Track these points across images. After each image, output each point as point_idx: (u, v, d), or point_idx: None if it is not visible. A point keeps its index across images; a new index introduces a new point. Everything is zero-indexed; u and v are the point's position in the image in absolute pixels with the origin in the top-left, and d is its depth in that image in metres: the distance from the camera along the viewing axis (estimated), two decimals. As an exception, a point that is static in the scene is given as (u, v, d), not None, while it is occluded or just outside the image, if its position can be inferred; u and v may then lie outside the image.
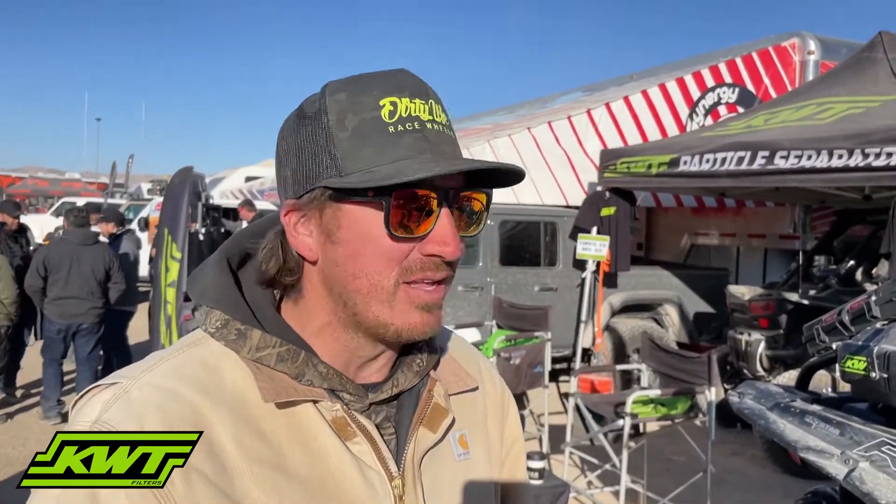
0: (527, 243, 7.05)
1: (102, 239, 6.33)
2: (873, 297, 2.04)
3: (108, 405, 0.68)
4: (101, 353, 6.44)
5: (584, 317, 6.74)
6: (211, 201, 8.59)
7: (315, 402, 0.72)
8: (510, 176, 0.74)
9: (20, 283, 5.70)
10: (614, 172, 6.46)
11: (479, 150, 7.07)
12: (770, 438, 2.20)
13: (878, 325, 2.01)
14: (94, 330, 5.96)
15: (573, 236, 6.78)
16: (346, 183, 0.68)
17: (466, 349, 0.94)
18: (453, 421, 0.82)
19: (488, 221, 5.59)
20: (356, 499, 0.72)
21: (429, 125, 0.71)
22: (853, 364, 1.97)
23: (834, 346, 2.20)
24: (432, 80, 0.74)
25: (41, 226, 15.38)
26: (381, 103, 0.70)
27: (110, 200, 18.46)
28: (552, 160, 7.29)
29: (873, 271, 5.95)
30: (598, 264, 6.54)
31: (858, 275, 5.92)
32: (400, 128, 0.69)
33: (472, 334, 6.21)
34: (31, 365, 6.77)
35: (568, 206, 7.20)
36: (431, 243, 0.70)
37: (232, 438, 0.68)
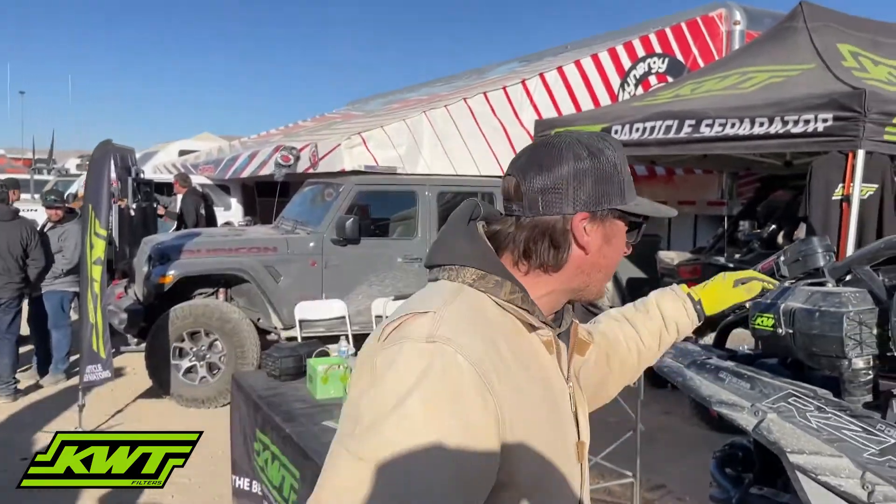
0: (465, 214, 7.08)
1: (24, 215, 6.17)
2: (782, 258, 2.14)
3: (436, 324, 0.94)
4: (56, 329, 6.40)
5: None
6: (142, 176, 8.36)
7: (536, 329, 1.06)
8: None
9: None
10: (549, 142, 6.53)
11: (416, 121, 7.07)
12: (688, 394, 2.31)
13: (787, 283, 2.11)
14: (12, 305, 5.92)
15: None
16: (633, 209, 1.07)
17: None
18: (592, 349, 1.29)
19: (426, 193, 5.59)
20: (558, 388, 1.08)
21: None
22: (762, 321, 2.08)
23: (747, 305, 2.31)
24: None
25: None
26: (622, 160, 1.08)
27: (37, 177, 17.77)
28: (488, 131, 7.34)
29: (794, 234, 6.21)
30: (535, 233, 6.62)
31: (780, 238, 6.18)
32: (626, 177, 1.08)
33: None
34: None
35: (504, 177, 7.25)
36: (627, 247, 1.12)
37: (507, 351, 0.98)
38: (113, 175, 7.56)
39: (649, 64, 8.06)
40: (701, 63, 7.98)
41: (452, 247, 1.07)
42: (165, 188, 10.02)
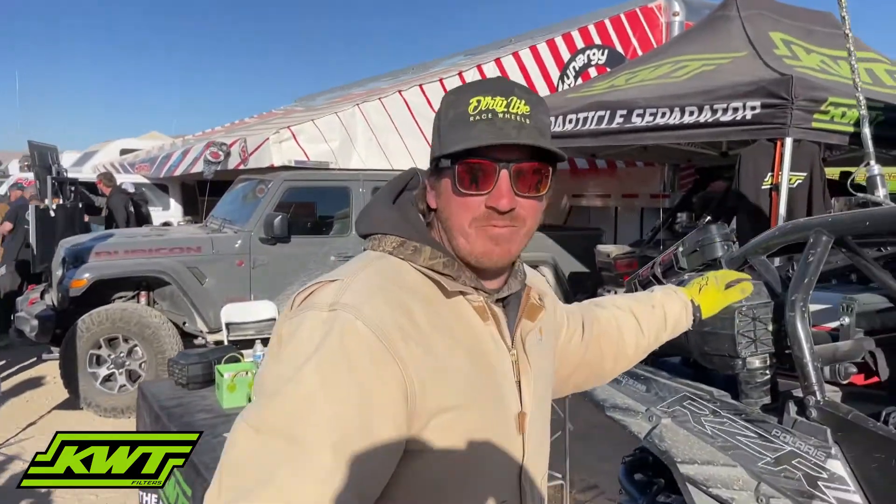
0: (402, 210, 6.88)
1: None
2: (680, 249, 1.99)
3: (340, 292, 0.93)
4: None
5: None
6: (64, 174, 7.96)
7: (465, 294, 1.01)
8: (554, 155, 0.98)
9: None
10: (484, 135, 6.36)
11: (349, 114, 6.84)
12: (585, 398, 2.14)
13: (686, 276, 1.96)
14: None
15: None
16: (438, 153, 0.99)
17: (539, 280, 1.27)
18: (544, 315, 1.15)
19: (360, 189, 5.34)
20: (493, 357, 1.02)
21: (501, 115, 0.94)
22: (656, 318, 1.91)
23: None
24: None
25: None
26: (470, 101, 0.96)
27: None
28: (425, 124, 7.13)
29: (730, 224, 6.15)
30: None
31: (716, 229, 6.10)
32: (477, 118, 0.95)
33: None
34: None
35: (442, 171, 7.07)
36: (490, 198, 0.96)
37: (423, 316, 0.95)
38: (30, 175, 7.19)
39: (589, 55, 7.95)
40: (640, 55, 7.89)
41: (374, 216, 1.08)
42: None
